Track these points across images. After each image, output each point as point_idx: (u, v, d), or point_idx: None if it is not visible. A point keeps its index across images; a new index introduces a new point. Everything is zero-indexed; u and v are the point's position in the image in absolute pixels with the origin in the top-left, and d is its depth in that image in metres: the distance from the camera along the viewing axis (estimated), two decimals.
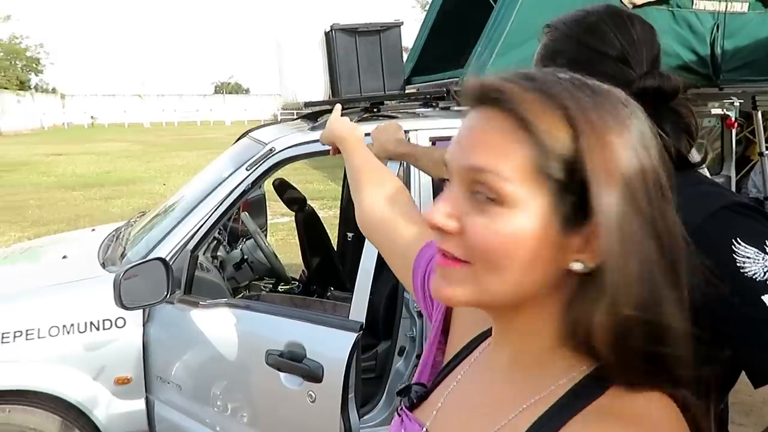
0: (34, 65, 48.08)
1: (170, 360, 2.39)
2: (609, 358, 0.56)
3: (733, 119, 4.46)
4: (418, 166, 1.71)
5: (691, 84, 3.12)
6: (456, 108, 3.08)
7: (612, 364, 0.56)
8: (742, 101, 4.22)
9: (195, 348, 2.32)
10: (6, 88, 39.60)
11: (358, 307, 1.87)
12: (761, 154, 4.76)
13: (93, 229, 3.58)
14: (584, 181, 0.55)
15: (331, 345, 1.86)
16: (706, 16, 2.97)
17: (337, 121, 1.31)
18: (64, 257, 2.87)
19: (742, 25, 3.03)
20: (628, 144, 0.56)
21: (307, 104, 2.92)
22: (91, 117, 46.85)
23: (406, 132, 2.32)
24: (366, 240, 1.97)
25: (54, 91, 53.43)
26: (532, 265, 0.57)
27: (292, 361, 1.90)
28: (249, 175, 2.41)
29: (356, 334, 1.80)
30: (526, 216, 0.56)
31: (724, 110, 4.31)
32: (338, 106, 1.48)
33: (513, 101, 0.57)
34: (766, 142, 4.79)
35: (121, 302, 2.14)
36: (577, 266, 0.57)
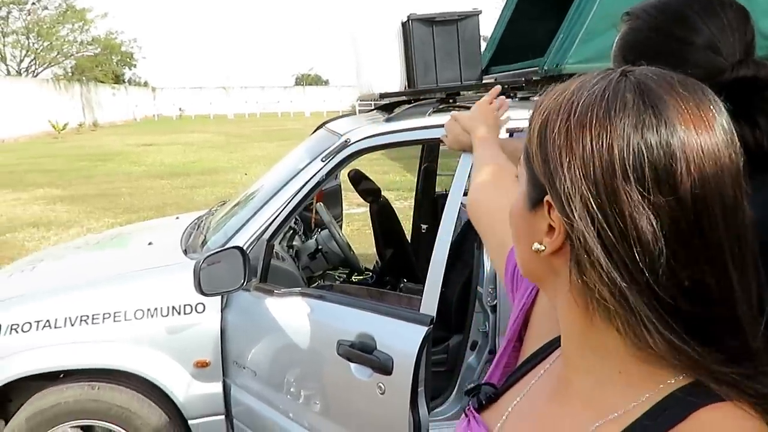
0: (128, 59, 50.60)
1: (246, 346, 2.45)
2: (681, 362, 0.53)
3: None
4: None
5: None
6: (535, 98, 2.99)
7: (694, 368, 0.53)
8: None
9: (269, 335, 2.38)
10: (102, 82, 41.91)
11: (429, 300, 1.85)
12: None
13: (177, 217, 3.73)
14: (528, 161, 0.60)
15: (401, 338, 1.85)
16: None
17: (462, 134, 1.42)
18: (150, 244, 3.00)
19: None
20: (578, 139, 0.54)
21: (382, 95, 2.91)
22: (180, 109, 48.93)
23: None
24: (440, 233, 1.95)
25: (146, 84, 56.15)
26: (525, 242, 0.61)
27: (363, 352, 1.90)
28: (323, 166, 2.43)
29: (427, 328, 1.78)
30: (519, 190, 0.63)
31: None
32: (495, 94, 1.46)
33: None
34: None
35: (200, 288, 2.22)
36: (535, 246, 0.59)
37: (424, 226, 4.03)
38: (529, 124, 0.62)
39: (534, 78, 2.84)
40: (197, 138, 25.13)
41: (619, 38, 1.04)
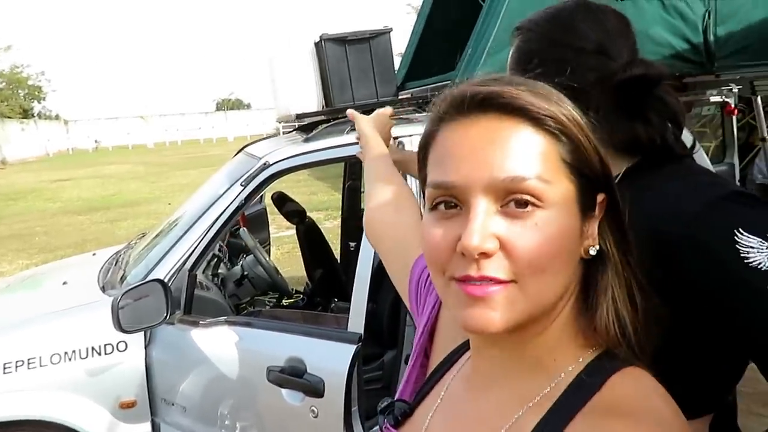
0: (36, 93, 48.44)
1: (174, 381, 2.36)
2: (615, 340, 0.60)
3: (733, 106, 4.41)
4: (410, 172, 1.67)
5: (686, 73, 3.05)
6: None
7: (618, 345, 0.60)
8: (740, 87, 4.18)
9: (197, 368, 2.30)
10: (9, 117, 39.90)
11: (356, 318, 1.84)
12: (763, 140, 4.71)
13: (94, 254, 3.57)
14: (584, 167, 0.59)
15: (330, 358, 1.83)
16: (697, 3, 2.93)
17: (368, 119, 1.37)
18: (65, 283, 2.86)
19: (735, 9, 2.99)
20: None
21: (299, 116, 2.91)
22: (95, 141, 47.13)
23: (395, 138, 2.29)
24: (362, 249, 1.95)
25: (57, 117, 53.81)
26: (571, 258, 0.59)
27: (293, 377, 1.87)
28: (242, 190, 2.39)
29: (356, 346, 1.77)
30: (564, 211, 0.57)
31: (723, 97, 4.27)
32: (388, 108, 1.46)
33: (523, 104, 0.58)
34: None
35: (119, 326, 2.12)
36: (593, 251, 0.60)
37: (352, 244, 4.02)
38: (556, 132, 0.62)
39: (431, 97, 2.91)
40: (116, 170, 24.28)
41: (513, 52, 1.08)
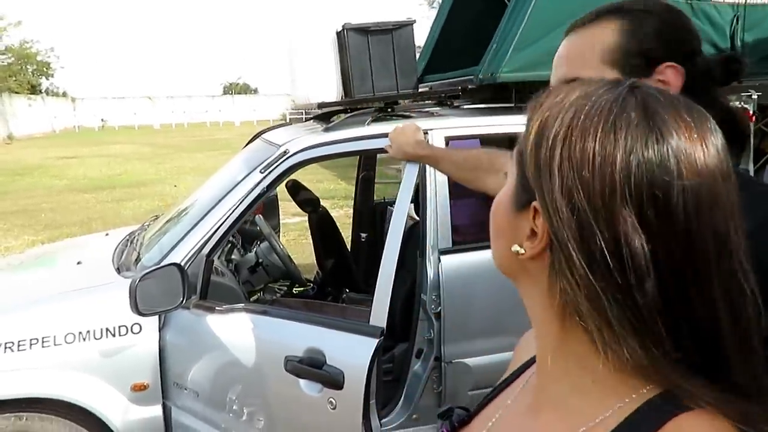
0: (44, 69, 48.36)
1: (187, 366, 2.36)
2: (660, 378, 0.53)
3: (751, 112, 4.39)
4: (439, 168, 1.67)
5: None
6: (471, 106, 3.04)
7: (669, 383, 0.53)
8: (760, 93, 4.16)
9: (212, 354, 2.30)
10: (17, 93, 39.85)
11: (379, 312, 1.83)
12: None
13: (107, 234, 3.57)
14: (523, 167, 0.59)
15: (351, 351, 1.83)
16: (726, 8, 2.91)
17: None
18: (79, 263, 2.85)
19: (763, 17, 2.97)
20: (576, 146, 0.53)
21: (320, 105, 2.89)
22: (102, 120, 47.13)
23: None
24: (388, 243, 1.93)
25: (65, 94, 53.77)
26: (498, 235, 0.62)
27: (312, 368, 1.87)
28: (264, 178, 2.38)
29: (377, 340, 1.76)
30: (506, 187, 0.62)
31: (742, 103, 4.25)
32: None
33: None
34: None
35: (137, 308, 2.12)
36: (514, 248, 0.59)
37: (363, 235, 4.02)
38: (527, 125, 0.60)
39: (469, 86, 2.90)
40: (122, 149, 24.29)
41: (641, 31, 1.00)
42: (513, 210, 0.60)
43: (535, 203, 0.56)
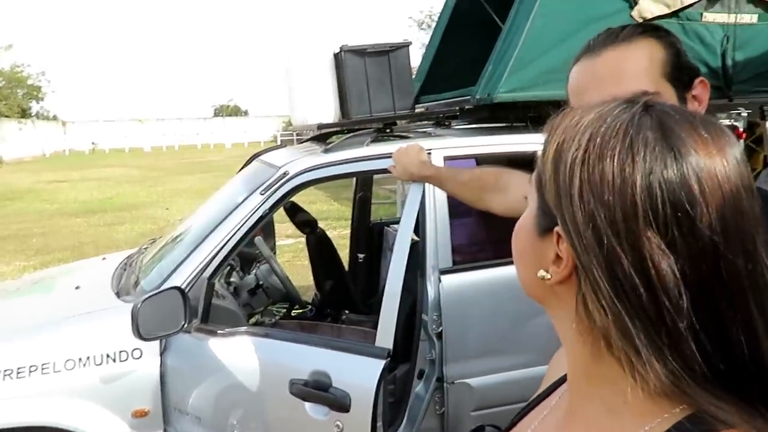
0: (35, 93, 48.25)
1: (188, 391, 2.34)
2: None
3: (741, 130, 4.45)
4: (444, 189, 1.68)
5: None
6: (469, 126, 3.06)
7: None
8: (750, 111, 4.22)
9: (214, 378, 2.28)
10: (8, 116, 39.71)
11: (385, 333, 1.83)
12: None
13: (104, 258, 3.55)
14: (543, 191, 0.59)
15: (357, 373, 1.82)
16: (716, 28, 2.96)
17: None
18: (77, 288, 2.83)
19: (753, 36, 3.02)
20: (596, 168, 0.53)
21: (320, 126, 2.90)
22: (92, 143, 46.99)
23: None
24: (392, 264, 1.93)
25: (55, 118, 53.59)
26: (523, 260, 0.63)
27: (318, 390, 1.86)
28: (265, 200, 2.39)
29: (384, 361, 1.76)
30: (527, 212, 0.63)
31: (732, 121, 4.31)
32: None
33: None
34: None
35: (139, 333, 2.11)
36: (540, 273, 0.59)
37: (361, 256, 4.02)
38: (543, 149, 0.60)
39: (467, 107, 2.92)
40: (113, 173, 24.20)
41: (680, 49, 1.06)
42: (536, 235, 0.60)
43: (557, 228, 0.56)
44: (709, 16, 2.93)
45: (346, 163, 2.57)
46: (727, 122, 4.30)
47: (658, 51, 1.02)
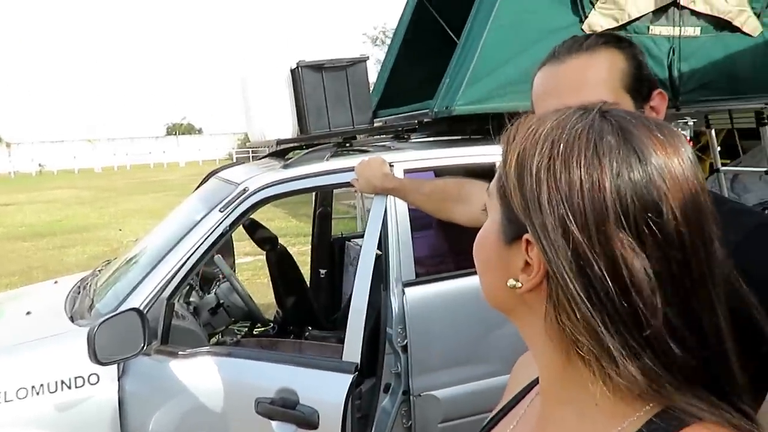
0: None
1: (149, 416, 2.26)
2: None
3: (689, 138, 4.61)
4: (407, 200, 1.68)
5: None
6: (427, 139, 3.09)
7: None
8: (695, 120, 4.38)
9: (176, 401, 2.21)
10: None
11: (352, 348, 1.81)
12: (717, 170, 4.91)
13: (56, 282, 3.42)
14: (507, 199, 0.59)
15: (325, 389, 1.79)
16: (662, 40, 3.07)
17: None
18: (28, 313, 2.72)
19: (697, 48, 3.14)
20: (555, 171, 0.54)
21: (279, 142, 2.88)
22: (39, 165, 45.66)
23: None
24: (358, 279, 1.92)
25: None
26: (489, 272, 0.62)
27: (285, 408, 1.82)
28: (225, 217, 2.35)
29: (352, 376, 1.74)
30: (489, 223, 0.63)
31: (679, 129, 4.47)
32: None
33: None
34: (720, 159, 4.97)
35: (96, 357, 2.03)
36: (510, 282, 0.59)
37: (322, 271, 3.99)
38: (503, 159, 0.60)
39: (425, 120, 2.95)
40: (62, 194, 23.53)
41: (641, 61, 1.07)
42: (502, 244, 0.60)
43: (527, 236, 0.56)
44: (656, 29, 3.04)
45: (306, 178, 2.55)
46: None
47: (620, 62, 1.03)
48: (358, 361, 1.79)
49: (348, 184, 1.94)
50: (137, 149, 50.37)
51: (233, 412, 2.05)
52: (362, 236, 4.25)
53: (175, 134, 62.51)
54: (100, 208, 17.67)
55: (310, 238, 4.20)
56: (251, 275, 7.35)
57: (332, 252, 4.01)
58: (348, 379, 1.74)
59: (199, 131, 67.78)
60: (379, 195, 1.85)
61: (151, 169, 44.10)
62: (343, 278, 4.04)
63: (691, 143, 4.71)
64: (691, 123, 4.43)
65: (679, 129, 4.45)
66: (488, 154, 2.69)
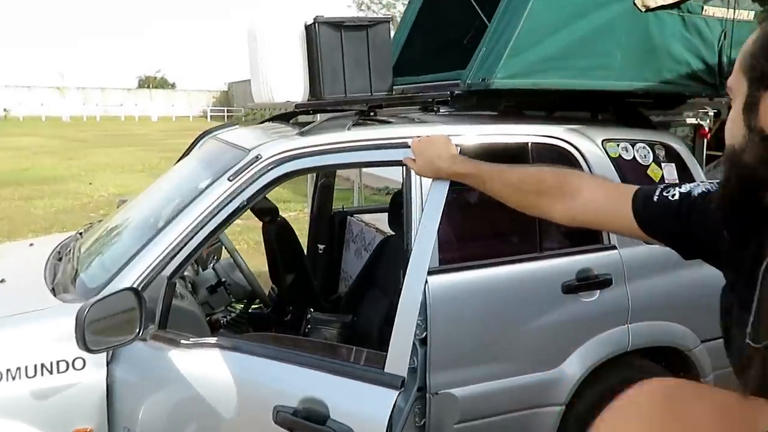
0: None
1: (140, 408, 2.00)
2: None
3: (707, 129, 4.44)
4: (485, 189, 1.40)
5: (696, 94, 2.93)
6: (459, 113, 2.82)
7: None
8: (716, 110, 4.20)
9: (173, 396, 1.95)
10: None
11: (398, 357, 1.55)
12: None
13: (31, 244, 3.09)
14: None
15: (363, 403, 1.53)
16: (715, 22, 2.83)
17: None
18: (2, 281, 2.40)
19: (748, 33, 2.91)
20: None
21: (297, 107, 2.59)
22: (4, 109, 44.00)
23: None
24: (408, 274, 1.64)
25: None
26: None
27: (311, 422, 1.55)
28: (237, 187, 2.05)
29: (397, 392, 1.49)
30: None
31: (699, 120, 4.28)
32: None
33: None
34: None
35: (85, 344, 1.76)
36: None
37: (321, 247, 3.73)
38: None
39: (456, 92, 2.66)
40: (29, 142, 22.68)
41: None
42: None
43: None
44: (709, 10, 2.80)
45: (328, 149, 2.25)
46: (693, 121, 4.27)
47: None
48: (405, 375, 1.53)
49: (398, 163, 1.66)
50: (108, 100, 48.87)
51: (245, 419, 1.77)
52: (364, 212, 4.01)
53: (148, 87, 60.80)
54: (69, 159, 17.03)
55: (303, 206, 3.93)
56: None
57: (332, 226, 3.75)
58: (392, 395, 1.49)
59: (173, 86, 65.96)
60: (439, 180, 1.57)
61: (121, 121, 42.81)
62: (343, 255, 3.78)
63: (708, 134, 4.54)
64: (711, 113, 4.26)
65: (698, 119, 4.27)
66: (534, 134, 2.45)
